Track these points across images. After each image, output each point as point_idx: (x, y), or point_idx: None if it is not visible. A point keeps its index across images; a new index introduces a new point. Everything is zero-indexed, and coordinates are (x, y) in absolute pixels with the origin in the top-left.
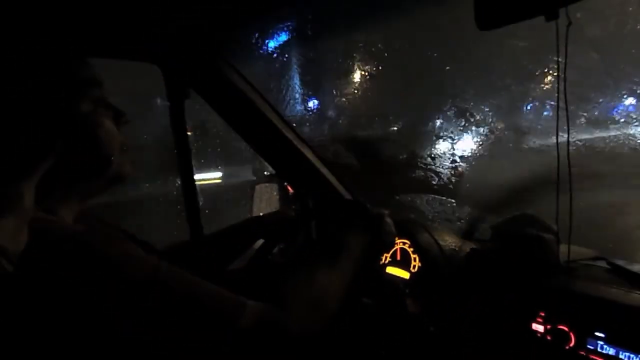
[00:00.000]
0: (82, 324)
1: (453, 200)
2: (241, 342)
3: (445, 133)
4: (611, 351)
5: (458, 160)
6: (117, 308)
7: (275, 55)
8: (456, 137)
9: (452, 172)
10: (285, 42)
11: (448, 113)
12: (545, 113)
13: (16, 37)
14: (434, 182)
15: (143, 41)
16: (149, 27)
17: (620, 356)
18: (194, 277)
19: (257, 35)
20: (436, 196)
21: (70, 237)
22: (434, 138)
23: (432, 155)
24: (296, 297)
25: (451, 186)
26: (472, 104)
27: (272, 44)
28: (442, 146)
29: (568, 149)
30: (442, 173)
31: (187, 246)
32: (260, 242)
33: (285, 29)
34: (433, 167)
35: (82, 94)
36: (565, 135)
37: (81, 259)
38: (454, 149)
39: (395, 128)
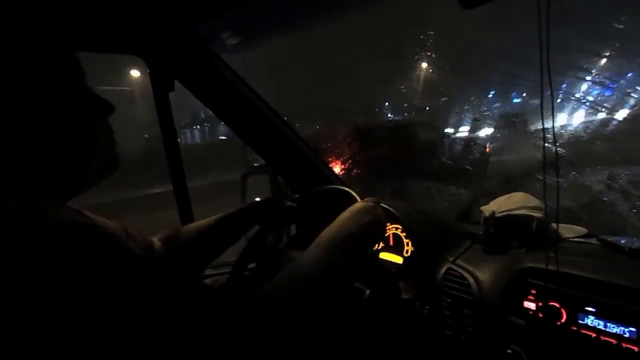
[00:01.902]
0: (50, 317)
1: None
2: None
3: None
4: (601, 325)
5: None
6: (87, 305)
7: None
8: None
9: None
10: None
11: None
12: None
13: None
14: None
15: (127, 33)
16: (134, 18)
17: (611, 330)
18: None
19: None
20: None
21: (50, 234)
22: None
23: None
24: (279, 290)
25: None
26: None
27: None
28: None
29: (553, 129)
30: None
31: (180, 234)
32: (256, 228)
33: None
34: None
35: (67, 84)
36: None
37: (57, 255)
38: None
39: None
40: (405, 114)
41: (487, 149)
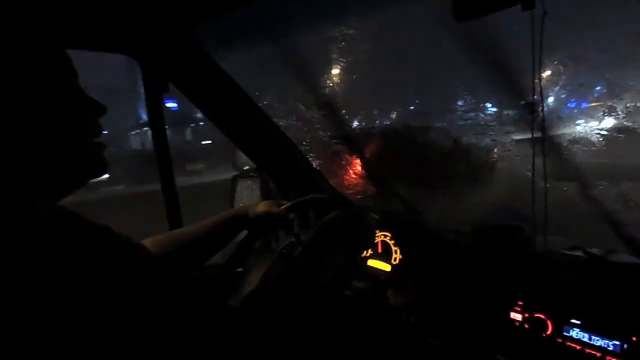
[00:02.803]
0: (45, 316)
1: None
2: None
3: None
4: (586, 337)
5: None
6: (81, 302)
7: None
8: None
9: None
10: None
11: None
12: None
13: None
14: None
15: (122, 33)
16: (128, 18)
17: (595, 342)
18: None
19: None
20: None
21: (42, 232)
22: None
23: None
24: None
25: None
26: None
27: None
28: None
29: (544, 142)
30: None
31: (169, 237)
32: (244, 233)
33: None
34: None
35: (60, 84)
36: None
37: (51, 253)
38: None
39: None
40: (377, 122)
41: (495, 155)
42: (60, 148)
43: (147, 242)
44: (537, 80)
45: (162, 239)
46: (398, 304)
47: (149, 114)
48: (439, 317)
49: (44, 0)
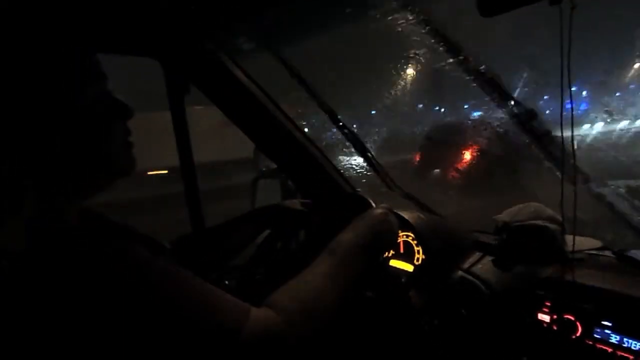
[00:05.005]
0: (74, 322)
1: None
2: (242, 351)
3: None
4: (618, 339)
5: None
6: (112, 308)
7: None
8: None
9: None
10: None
11: None
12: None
13: (17, 28)
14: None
15: (143, 35)
16: (149, 20)
17: (627, 345)
18: (196, 279)
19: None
20: None
21: (69, 236)
22: None
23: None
24: (294, 300)
25: None
26: None
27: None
28: None
29: (572, 139)
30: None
31: (193, 239)
32: (267, 232)
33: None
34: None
35: (84, 86)
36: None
37: (79, 257)
38: None
39: None
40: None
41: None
42: (75, 150)
43: (170, 241)
44: (565, 79)
45: (186, 238)
46: (421, 305)
47: (172, 115)
48: (463, 318)
49: (69, 5)
